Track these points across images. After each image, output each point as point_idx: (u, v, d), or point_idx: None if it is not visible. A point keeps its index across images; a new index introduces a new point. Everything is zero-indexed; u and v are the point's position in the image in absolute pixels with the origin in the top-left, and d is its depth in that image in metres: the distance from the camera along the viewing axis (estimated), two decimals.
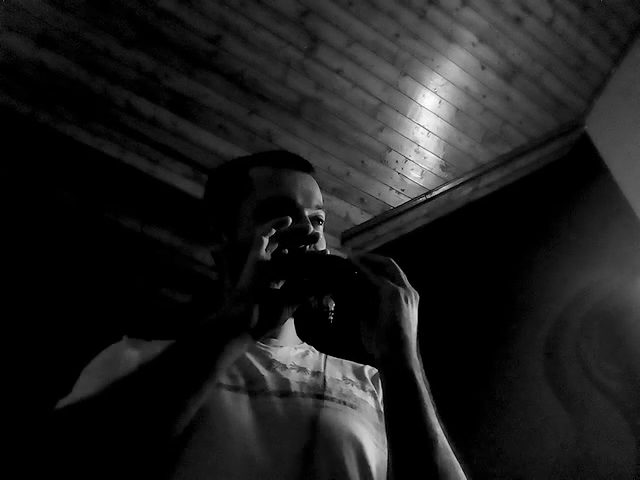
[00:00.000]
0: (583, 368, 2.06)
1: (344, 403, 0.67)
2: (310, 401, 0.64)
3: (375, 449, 0.63)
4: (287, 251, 0.64)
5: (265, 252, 0.60)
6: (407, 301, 0.59)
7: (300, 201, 0.74)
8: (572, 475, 1.88)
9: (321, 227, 0.78)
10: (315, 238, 0.65)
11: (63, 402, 0.59)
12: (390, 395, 0.57)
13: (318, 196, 0.78)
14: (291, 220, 0.65)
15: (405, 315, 0.58)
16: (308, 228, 0.65)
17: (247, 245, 0.66)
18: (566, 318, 2.18)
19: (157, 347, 0.68)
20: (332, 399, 0.66)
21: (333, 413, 0.63)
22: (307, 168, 0.81)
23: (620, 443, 1.88)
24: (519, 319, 2.26)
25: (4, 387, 1.65)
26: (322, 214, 0.78)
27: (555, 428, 2.00)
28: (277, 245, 0.63)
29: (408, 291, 0.60)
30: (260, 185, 0.76)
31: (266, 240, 0.61)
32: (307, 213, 0.74)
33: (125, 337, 0.72)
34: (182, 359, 0.54)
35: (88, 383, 0.62)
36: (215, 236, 0.81)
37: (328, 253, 0.64)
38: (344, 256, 0.63)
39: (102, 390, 0.52)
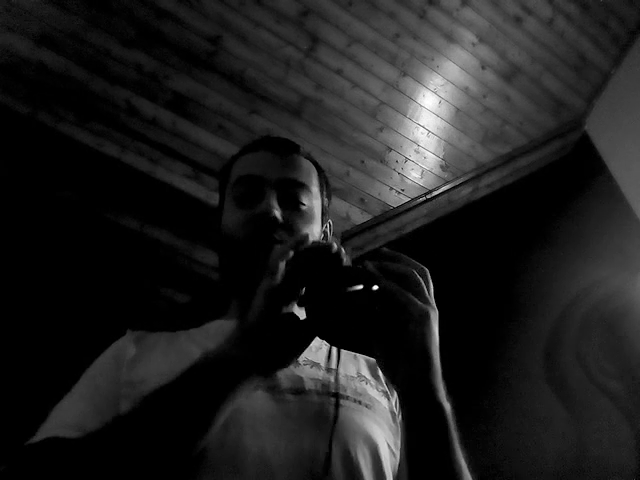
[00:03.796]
0: (583, 368, 2.05)
1: (359, 402, 0.65)
2: (325, 399, 0.62)
3: (388, 450, 0.62)
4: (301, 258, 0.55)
5: (279, 279, 0.53)
6: (435, 323, 0.52)
7: (269, 176, 0.72)
8: (572, 475, 1.88)
9: (304, 208, 0.73)
10: (339, 255, 0.55)
11: (44, 433, 0.56)
12: (415, 427, 0.51)
13: (298, 174, 0.75)
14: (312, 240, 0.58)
15: (435, 341, 0.51)
16: (331, 247, 0.54)
17: (224, 229, 0.71)
18: (566, 318, 2.18)
19: (161, 339, 0.68)
20: (347, 398, 0.64)
21: (348, 412, 0.62)
22: (289, 149, 0.78)
23: (620, 443, 1.88)
24: (519, 319, 2.26)
25: (11, 383, 1.65)
26: (303, 194, 0.73)
27: (555, 428, 2.00)
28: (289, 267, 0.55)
29: (434, 310, 0.52)
30: (235, 171, 0.78)
31: (282, 266, 0.53)
32: (273, 192, 0.71)
33: (129, 331, 0.71)
34: (182, 408, 0.50)
35: (74, 406, 0.59)
36: (215, 227, 0.82)
37: (345, 260, 0.54)
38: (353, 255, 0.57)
39: (95, 434, 0.49)
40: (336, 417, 0.59)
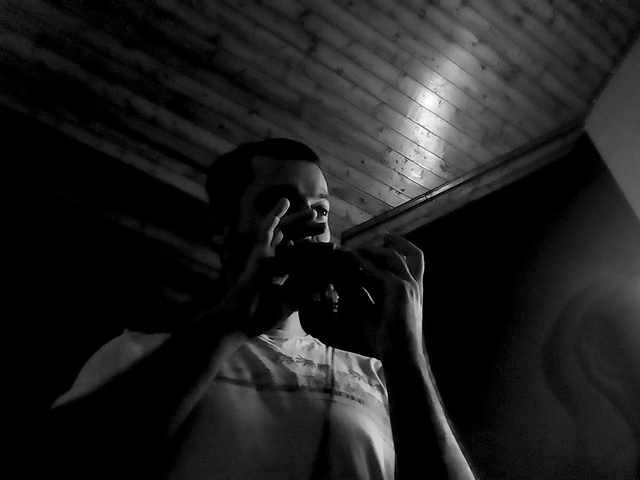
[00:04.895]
0: (583, 368, 2.06)
1: (352, 398, 0.65)
2: (318, 395, 0.63)
3: (383, 443, 0.62)
4: (292, 243, 0.62)
5: (269, 247, 0.59)
6: (412, 295, 0.56)
7: (302, 190, 0.73)
8: (572, 475, 1.88)
9: (325, 217, 0.76)
10: (320, 229, 0.64)
11: (61, 400, 0.59)
12: (395, 393, 0.55)
13: (322, 185, 0.77)
14: (289, 203, 0.64)
15: (410, 311, 0.55)
16: (312, 214, 0.64)
17: (249, 237, 0.67)
18: (566, 318, 2.18)
19: (158, 340, 0.69)
20: (340, 394, 0.65)
21: (341, 408, 0.62)
22: (311, 157, 0.79)
23: (620, 443, 1.88)
24: (519, 319, 2.26)
25: (10, 385, 1.65)
26: (326, 204, 0.76)
27: (555, 428, 2.00)
28: (281, 237, 0.61)
29: (413, 284, 0.57)
30: (261, 175, 0.75)
31: (271, 234, 0.60)
32: (310, 202, 0.73)
33: (126, 330, 0.72)
34: (175, 356, 0.54)
35: (86, 380, 0.62)
36: (217, 227, 0.80)
37: (335, 246, 0.61)
38: (346, 249, 0.61)
39: (97, 387, 0.52)
40: (328, 415, 0.60)
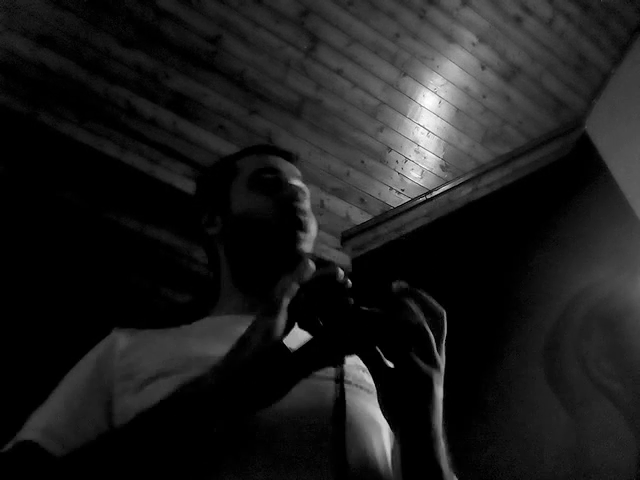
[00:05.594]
0: (583, 368, 2.05)
1: (360, 387, 0.66)
2: (327, 383, 0.61)
3: (388, 436, 0.63)
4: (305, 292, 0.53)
5: (283, 317, 0.50)
6: (437, 385, 0.50)
7: (285, 172, 0.82)
8: (572, 476, 1.88)
9: (307, 201, 0.82)
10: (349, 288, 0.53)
11: (15, 440, 0.56)
12: (407, 457, 0.50)
13: (303, 182, 0.85)
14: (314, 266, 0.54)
15: (432, 404, 0.49)
16: (337, 272, 0.53)
17: (244, 214, 0.77)
18: (566, 318, 2.18)
19: (152, 335, 0.68)
20: (349, 382, 0.65)
21: (351, 395, 0.61)
22: (289, 157, 0.88)
23: (620, 444, 1.88)
24: (519, 319, 2.26)
25: (10, 385, 1.65)
26: (306, 189, 0.83)
27: (555, 429, 2.00)
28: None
29: (438, 370, 0.50)
30: (247, 166, 0.84)
31: (286, 303, 0.51)
32: (294, 182, 0.81)
33: (115, 329, 0.70)
34: (159, 434, 0.48)
35: (50, 414, 0.59)
36: (209, 222, 0.86)
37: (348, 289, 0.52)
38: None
39: (76, 454, 0.50)
40: (343, 398, 0.56)
